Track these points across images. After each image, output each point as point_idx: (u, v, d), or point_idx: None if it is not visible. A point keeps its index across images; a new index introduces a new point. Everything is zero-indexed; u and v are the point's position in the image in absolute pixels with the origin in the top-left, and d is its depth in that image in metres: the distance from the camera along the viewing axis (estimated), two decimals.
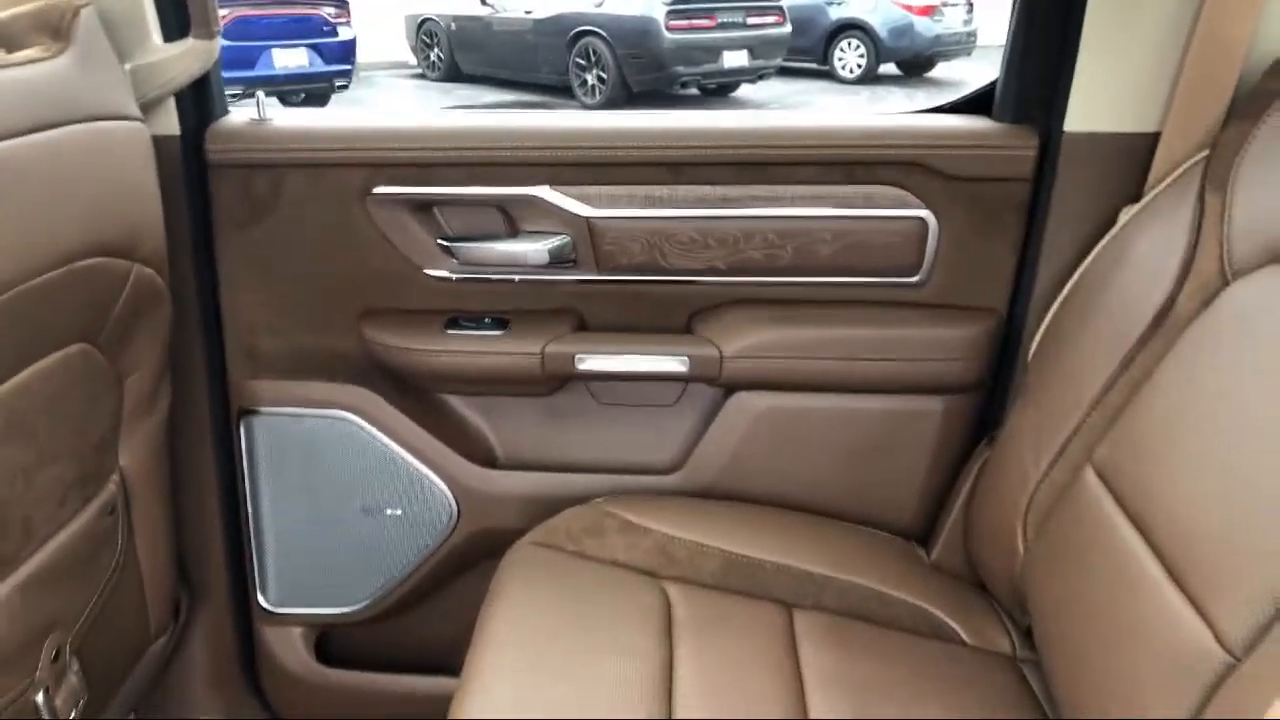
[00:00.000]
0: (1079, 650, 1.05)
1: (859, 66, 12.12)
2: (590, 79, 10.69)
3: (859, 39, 12.12)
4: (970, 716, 1.13)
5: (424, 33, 12.44)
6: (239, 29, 9.04)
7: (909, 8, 11.95)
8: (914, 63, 12.37)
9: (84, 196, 1.06)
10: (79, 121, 1.06)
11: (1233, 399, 0.97)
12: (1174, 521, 0.97)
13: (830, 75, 12.22)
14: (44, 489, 1.09)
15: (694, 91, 11.02)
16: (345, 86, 10.42)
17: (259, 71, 9.08)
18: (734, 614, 1.25)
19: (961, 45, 12.35)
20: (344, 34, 10.53)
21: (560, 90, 10.99)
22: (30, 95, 0.99)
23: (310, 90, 9.68)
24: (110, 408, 1.22)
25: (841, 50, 12.24)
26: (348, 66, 10.57)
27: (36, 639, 1.10)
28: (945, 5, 12.11)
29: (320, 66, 10.06)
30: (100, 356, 1.17)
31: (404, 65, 12.95)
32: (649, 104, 10.28)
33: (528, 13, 11.23)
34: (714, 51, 10.42)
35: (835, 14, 12.21)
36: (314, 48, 10.05)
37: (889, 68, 12.33)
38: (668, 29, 10.21)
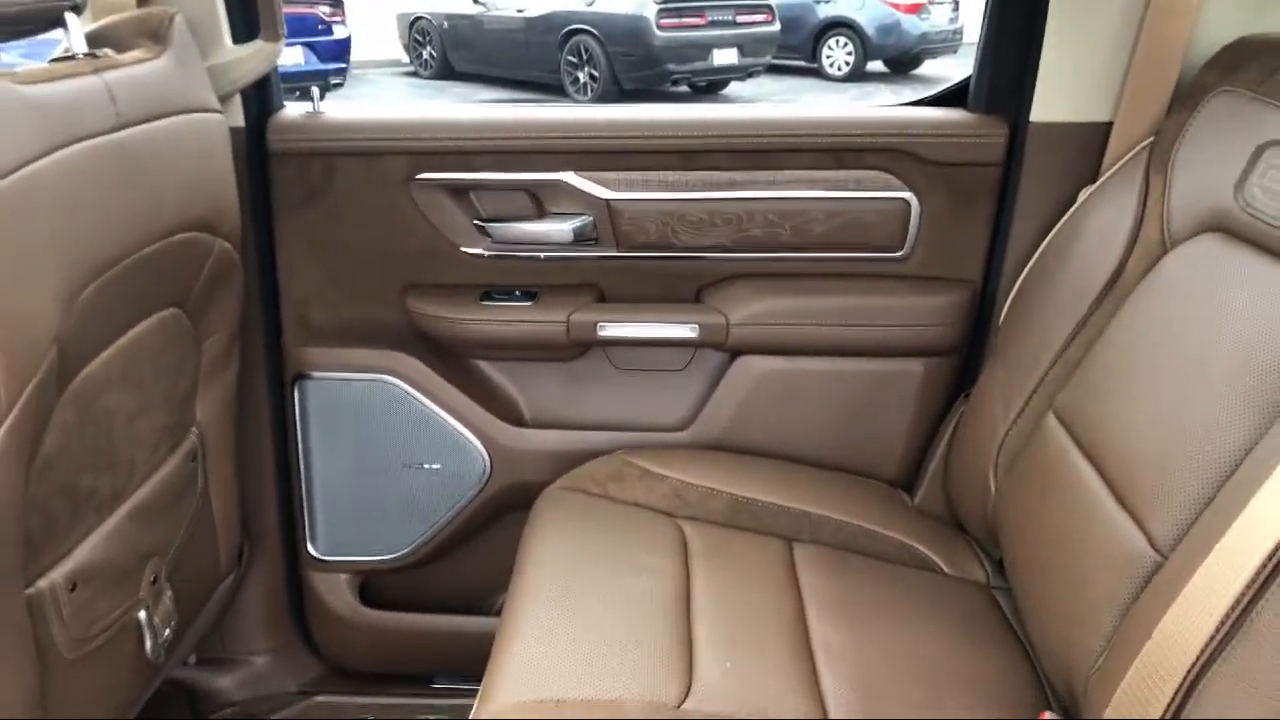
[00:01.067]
0: (1040, 569, 1.23)
1: (847, 64, 12.28)
2: (582, 76, 10.83)
3: (847, 37, 12.27)
4: (948, 634, 1.30)
5: (417, 31, 12.56)
6: None
7: (896, 6, 12.12)
8: (901, 60, 12.55)
9: (181, 179, 1.23)
10: (177, 114, 1.22)
11: (1169, 347, 1.15)
12: (1120, 451, 1.15)
13: (819, 73, 12.38)
14: (144, 434, 1.26)
15: (684, 89, 11.18)
16: (340, 84, 10.56)
17: None
18: (741, 546, 1.42)
19: (947, 43, 12.54)
20: (339, 32, 10.68)
21: (552, 88, 11.13)
22: (141, 90, 1.16)
23: (304, 88, 9.82)
24: (192, 366, 1.38)
25: (830, 48, 12.39)
26: (342, 65, 10.70)
27: (140, 563, 1.26)
28: (931, 3, 12.29)
29: (315, 65, 10.20)
30: (187, 320, 1.34)
31: (397, 63, 13.07)
32: (641, 101, 10.42)
33: (519, 11, 11.36)
34: (704, 49, 10.58)
35: (823, 12, 12.36)
36: (309, 46, 10.19)
37: (876, 65, 12.50)
38: (659, 27, 10.37)
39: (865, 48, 12.18)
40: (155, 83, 1.19)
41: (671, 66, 10.48)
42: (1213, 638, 0.87)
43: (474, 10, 11.82)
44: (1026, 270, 1.48)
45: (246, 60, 1.46)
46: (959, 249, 1.58)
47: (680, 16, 10.48)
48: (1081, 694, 1.06)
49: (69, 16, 1.13)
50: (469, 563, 1.77)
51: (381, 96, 11.47)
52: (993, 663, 1.26)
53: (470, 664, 1.62)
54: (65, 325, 1.01)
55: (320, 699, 1.77)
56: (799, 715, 1.11)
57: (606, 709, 1.07)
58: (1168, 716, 0.90)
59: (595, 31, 10.60)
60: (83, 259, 1.03)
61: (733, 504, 1.50)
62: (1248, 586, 0.86)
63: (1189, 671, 0.88)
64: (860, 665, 1.21)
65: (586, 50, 10.74)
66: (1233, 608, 0.86)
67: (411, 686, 1.79)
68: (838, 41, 12.35)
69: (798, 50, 12.37)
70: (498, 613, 1.48)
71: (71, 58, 1.14)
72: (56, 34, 1.15)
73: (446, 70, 12.34)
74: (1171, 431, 1.08)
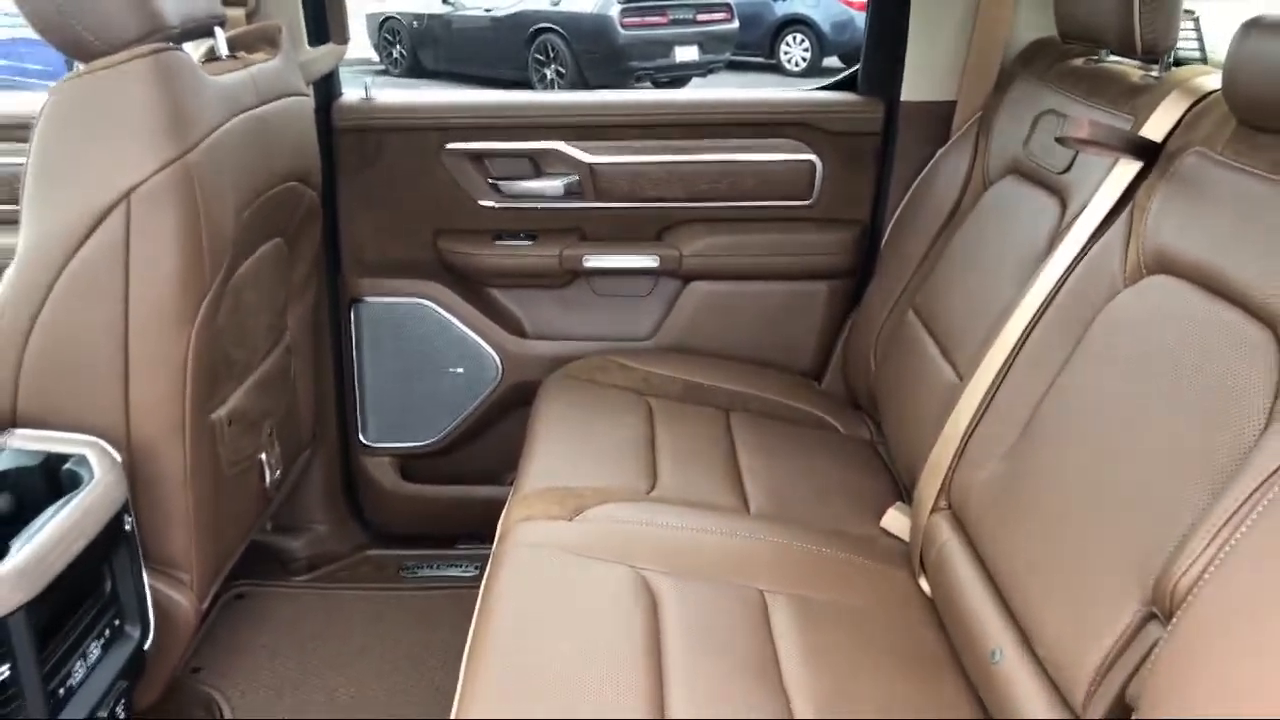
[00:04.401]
0: (898, 412, 1.77)
1: (804, 60, 12.76)
2: (549, 74, 11.28)
3: (803, 34, 12.74)
4: (840, 469, 1.84)
5: (386, 30, 12.93)
6: None
7: (850, 3, 12.59)
8: (855, 56, 13.04)
9: (290, 143, 1.73)
10: (287, 96, 1.73)
11: (980, 248, 1.69)
12: (946, 324, 1.69)
13: (777, 69, 12.89)
14: (262, 326, 1.76)
15: (647, 85, 11.69)
16: None
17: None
18: (691, 413, 1.95)
19: None
20: None
21: (520, 85, 11.57)
22: (268, 79, 1.66)
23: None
24: (286, 284, 1.88)
25: (787, 45, 12.87)
26: None
27: (261, 418, 1.77)
28: None
29: None
30: (286, 249, 1.84)
31: (368, 62, 13.45)
32: None
33: (487, 11, 11.77)
34: (666, 46, 11.05)
35: (780, 10, 12.83)
36: None
37: (832, 60, 13.04)
38: (622, 26, 10.81)
39: (821, 44, 12.63)
40: (274, 74, 1.69)
41: (635, 63, 10.94)
42: (973, 418, 1.42)
43: (442, 10, 12.19)
44: (898, 212, 2.03)
45: (320, 59, 1.97)
46: (851, 197, 2.12)
47: (643, 15, 10.93)
48: (918, 488, 1.60)
49: (217, 29, 1.63)
50: (486, 446, 2.29)
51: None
52: (868, 482, 1.80)
53: (486, 526, 2.13)
54: (235, 235, 1.51)
55: (370, 553, 2.28)
56: (728, 504, 1.64)
57: (598, 493, 1.58)
58: (950, 476, 1.44)
59: (561, 30, 11.02)
60: (242, 192, 1.54)
61: (685, 386, 2.03)
62: (991, 383, 1.40)
63: (963, 436, 1.43)
64: (774, 483, 1.73)
65: (553, 48, 11.17)
66: (983, 399, 1.41)
67: (439, 545, 2.31)
68: (795, 38, 12.81)
69: (756, 47, 12.83)
70: (509, 484, 1.99)
71: (218, 58, 1.64)
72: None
73: (416, 68, 12.71)
74: (974, 303, 1.62)
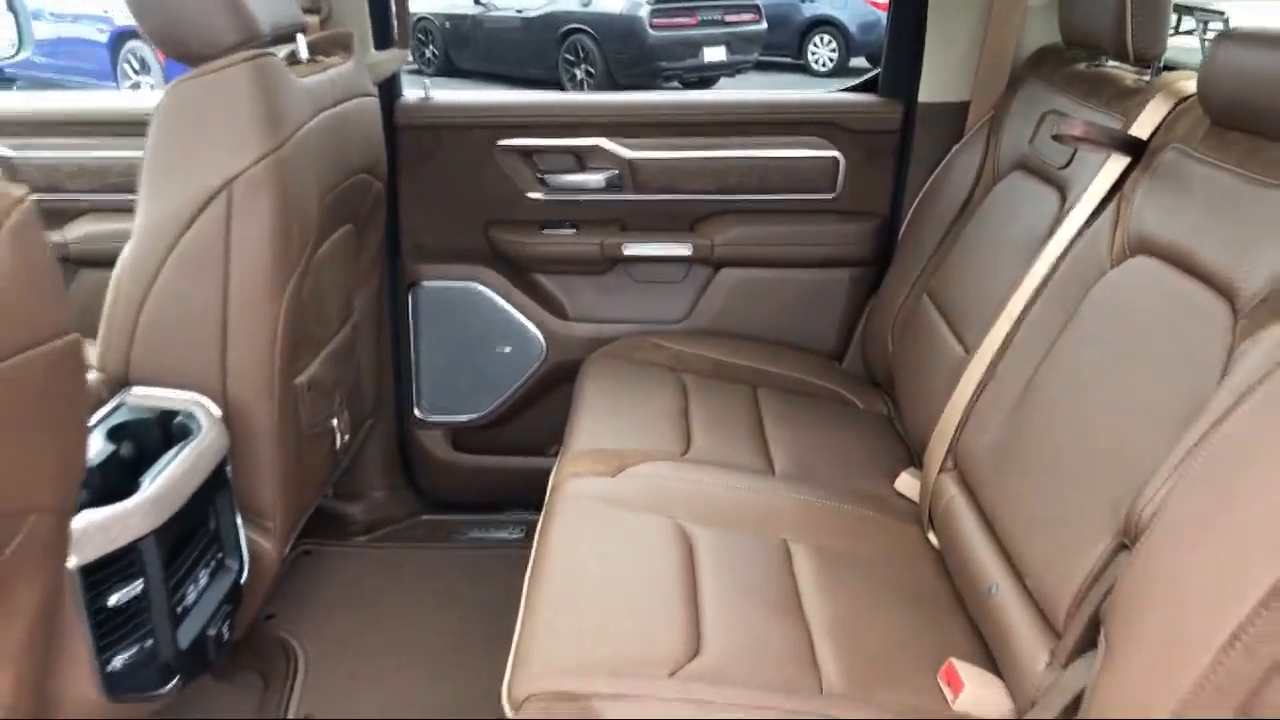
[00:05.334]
0: (911, 386, 1.94)
1: (831, 60, 12.88)
2: (579, 73, 11.46)
3: (831, 34, 12.86)
4: (858, 438, 2.00)
5: (419, 31, 13.15)
6: None
7: (876, 4, 12.74)
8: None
9: (361, 138, 1.92)
10: (359, 96, 1.92)
11: (988, 236, 1.85)
12: (958, 303, 1.85)
13: (804, 69, 13.02)
14: (335, 305, 1.95)
15: (676, 85, 11.85)
16: None
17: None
18: (721, 387, 2.12)
19: None
20: None
21: (550, 85, 11.76)
22: (343, 80, 1.85)
23: None
24: (354, 268, 2.07)
25: (814, 45, 12.99)
26: None
27: (334, 388, 1.95)
28: None
29: None
30: (355, 235, 2.03)
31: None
32: None
33: (518, 12, 11.97)
34: (695, 47, 11.20)
35: (808, 11, 12.95)
36: None
37: (859, 61, 13.15)
38: (652, 26, 10.98)
39: (848, 45, 12.74)
40: (349, 76, 1.88)
41: (664, 64, 11.10)
42: (977, 388, 1.58)
43: (474, 10, 12.40)
44: (915, 204, 2.19)
45: (385, 62, 2.15)
46: (871, 191, 2.28)
47: (672, 16, 11.08)
48: (927, 452, 1.76)
49: (299, 35, 1.82)
50: (530, 420, 2.47)
51: None
52: (883, 451, 1.96)
53: (530, 494, 2.31)
54: (317, 220, 1.70)
55: (423, 518, 2.47)
56: (755, 466, 1.81)
57: (638, 454, 1.75)
58: (956, 440, 1.60)
59: (591, 30, 11.20)
60: (323, 182, 1.73)
61: (715, 364, 2.20)
62: (995, 356, 1.57)
63: (968, 403, 1.59)
64: (797, 449, 1.90)
65: (583, 48, 11.34)
66: (987, 370, 1.57)
67: (487, 511, 2.49)
68: (822, 39, 12.92)
69: (784, 48, 12.96)
70: (552, 455, 2.16)
71: (298, 61, 1.83)
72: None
73: (448, 68, 12.92)
74: (981, 285, 1.78)
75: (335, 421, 1.97)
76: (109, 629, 1.26)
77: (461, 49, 12.60)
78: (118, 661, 1.27)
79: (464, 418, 2.46)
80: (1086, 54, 1.86)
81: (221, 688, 1.86)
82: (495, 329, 2.39)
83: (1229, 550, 0.94)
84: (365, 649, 2.03)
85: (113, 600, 1.25)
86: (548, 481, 1.79)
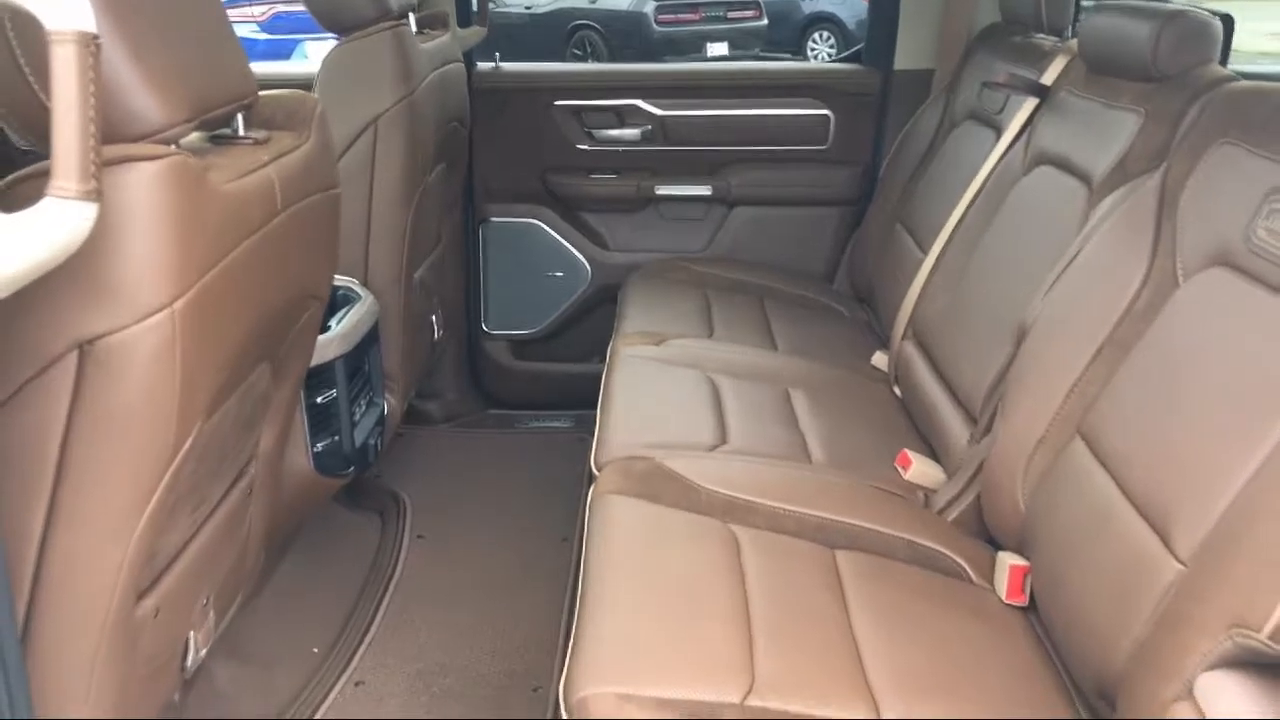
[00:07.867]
0: (886, 289, 2.47)
1: (829, 56, 13.32)
2: None
3: (830, 30, 13.34)
4: (846, 337, 2.54)
5: None
6: (276, 23, 10.34)
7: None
8: None
9: (456, 94, 2.47)
10: (454, 62, 2.46)
11: (942, 170, 2.40)
12: (919, 221, 2.39)
13: None
14: (433, 226, 2.49)
15: None
16: None
17: (295, 61, 10.40)
18: (735, 298, 2.65)
19: None
20: None
21: None
22: (446, 49, 2.39)
23: None
24: (445, 199, 2.61)
25: (814, 41, 13.42)
26: None
27: (434, 292, 2.49)
28: None
29: None
30: (445, 174, 2.57)
31: None
32: None
33: (527, 9, 12.46)
34: (698, 43, 11.69)
35: (807, 8, 13.41)
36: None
37: None
38: (656, 22, 11.44)
39: (847, 41, 13.22)
40: (448, 45, 2.43)
41: (668, 59, 11.61)
42: (929, 274, 2.13)
43: None
44: (890, 153, 2.73)
45: (467, 36, 2.70)
46: (856, 142, 2.83)
47: (676, 12, 11.53)
48: (894, 328, 2.29)
49: (410, 13, 2.36)
50: (578, 333, 3.02)
51: None
52: (863, 343, 2.49)
53: (578, 394, 2.84)
54: (432, 151, 2.24)
55: (490, 412, 3.01)
56: (764, 344, 2.34)
57: (673, 333, 2.29)
58: (913, 314, 2.14)
59: (598, 26, 11.68)
60: (435, 124, 2.27)
61: (731, 282, 2.74)
62: (941, 250, 2.11)
63: (923, 286, 2.13)
64: (795, 337, 2.43)
65: (590, 44, 11.78)
66: (935, 260, 2.12)
67: (542, 408, 3.03)
68: (821, 35, 13.36)
69: (785, 44, 13.40)
70: (598, 362, 2.64)
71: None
72: None
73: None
74: (935, 204, 2.32)
75: (434, 317, 2.51)
76: (315, 420, 1.80)
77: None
78: (319, 446, 1.81)
79: (523, 331, 3.00)
80: (1020, 28, 2.40)
81: (356, 518, 2.40)
82: (549, 258, 2.93)
83: (1072, 342, 1.48)
84: (452, 498, 2.57)
85: (319, 399, 1.80)
86: (593, 384, 2.17)
